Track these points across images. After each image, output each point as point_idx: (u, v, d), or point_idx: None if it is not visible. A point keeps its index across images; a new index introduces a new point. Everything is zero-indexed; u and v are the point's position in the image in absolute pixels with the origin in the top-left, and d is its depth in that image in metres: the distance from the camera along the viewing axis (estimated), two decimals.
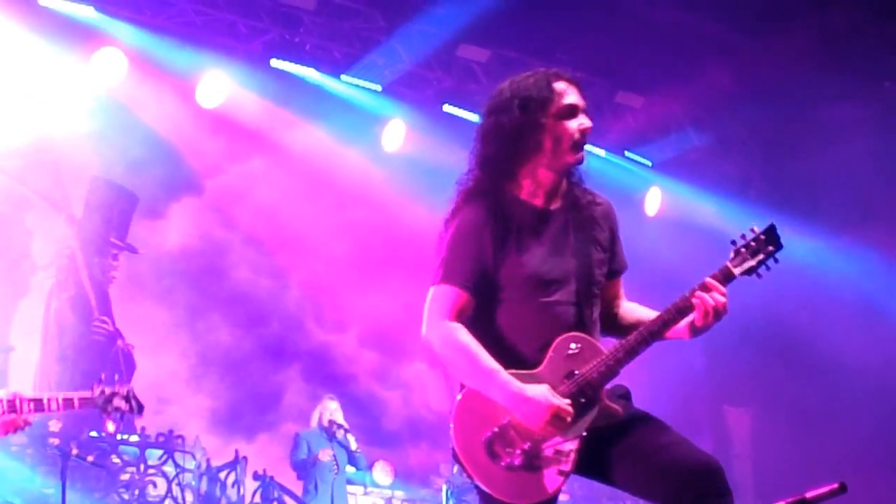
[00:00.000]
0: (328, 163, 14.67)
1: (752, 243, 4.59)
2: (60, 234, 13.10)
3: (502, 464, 4.42)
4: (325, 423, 12.98)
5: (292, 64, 13.90)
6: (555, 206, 4.70)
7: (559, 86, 4.66)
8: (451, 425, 4.52)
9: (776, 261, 4.61)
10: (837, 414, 15.57)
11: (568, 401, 4.40)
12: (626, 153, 16.21)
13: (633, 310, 4.84)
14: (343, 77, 14.29)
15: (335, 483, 12.84)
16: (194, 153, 14.33)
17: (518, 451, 4.41)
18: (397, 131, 14.66)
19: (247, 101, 14.04)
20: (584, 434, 4.45)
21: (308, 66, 14.03)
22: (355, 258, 15.23)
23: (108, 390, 6.43)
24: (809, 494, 3.83)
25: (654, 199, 16.29)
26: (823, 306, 15.44)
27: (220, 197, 14.78)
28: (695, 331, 4.58)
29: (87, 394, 6.40)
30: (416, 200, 13.85)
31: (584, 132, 4.64)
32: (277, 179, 14.93)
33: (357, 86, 14.41)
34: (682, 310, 4.53)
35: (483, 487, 4.44)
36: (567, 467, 4.42)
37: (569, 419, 4.38)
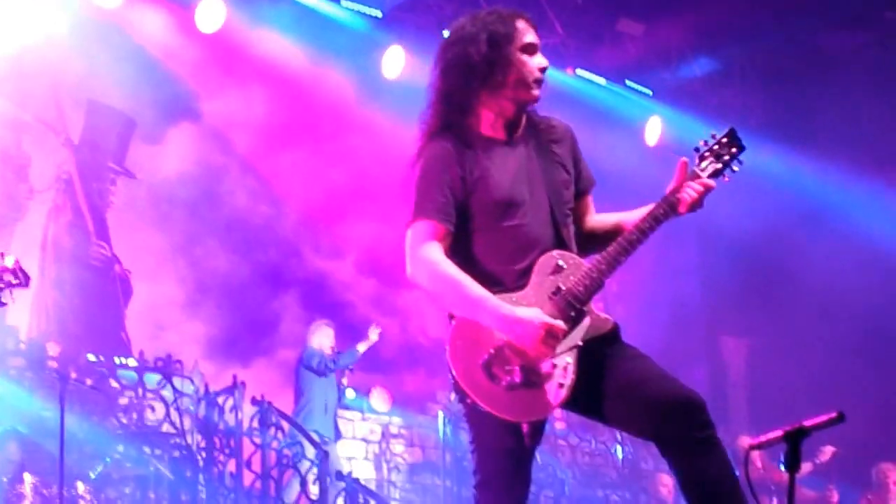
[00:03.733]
0: (327, 89, 14.61)
1: (715, 146, 4.77)
2: (58, 158, 13.06)
3: (503, 384, 4.46)
4: (328, 351, 13.06)
5: None
6: (515, 135, 4.77)
7: (520, 24, 4.73)
8: (448, 352, 4.55)
9: (741, 162, 4.77)
10: (832, 343, 15.66)
11: (560, 321, 4.46)
12: (627, 82, 16.14)
13: (604, 220, 4.92)
14: (343, 2, 14.21)
15: (329, 405, 12.96)
16: (192, 78, 14.25)
17: (517, 370, 4.45)
18: (397, 58, 14.58)
19: (245, 27, 13.95)
20: (580, 345, 4.50)
21: None
22: (353, 185, 15.21)
23: None
24: (808, 423, 3.83)
25: (655, 129, 16.25)
26: (818, 235, 15.47)
27: (217, 123, 14.72)
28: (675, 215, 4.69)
29: None
30: (415, 128, 13.80)
31: (543, 70, 4.72)
32: (276, 105, 14.86)
33: (357, 11, 14.32)
34: (658, 217, 4.61)
35: (487, 409, 4.47)
36: (567, 380, 4.47)
37: (561, 337, 4.45)
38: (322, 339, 13.15)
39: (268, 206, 15.48)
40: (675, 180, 4.68)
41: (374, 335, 13.26)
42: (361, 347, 13.19)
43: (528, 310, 4.46)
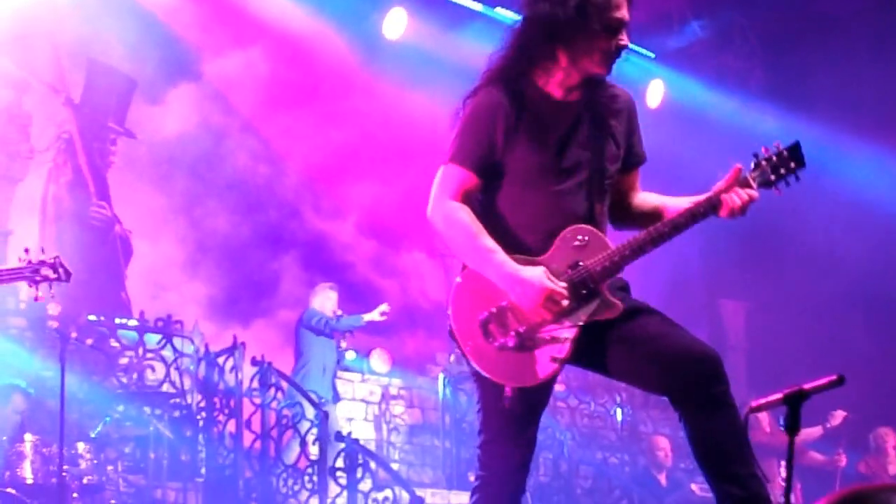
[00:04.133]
0: (328, 50, 14.57)
1: (774, 158, 4.57)
2: (59, 117, 13.03)
3: (496, 344, 4.45)
4: (330, 314, 13.08)
5: None
6: (573, 98, 4.67)
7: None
8: (451, 303, 4.55)
9: (797, 178, 4.59)
10: (831, 305, 15.68)
11: (564, 284, 4.42)
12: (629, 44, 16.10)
13: (646, 199, 4.83)
14: None
15: (328, 367, 13.02)
16: (193, 39, 14.21)
17: (512, 333, 4.43)
18: (399, 19, 14.52)
19: None
20: (582, 324, 4.46)
21: None
22: (353, 146, 15.19)
23: (35, 260, 6.53)
24: (807, 386, 3.83)
25: (657, 92, 16.21)
26: (816, 198, 15.45)
27: (218, 83, 14.69)
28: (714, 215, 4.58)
29: (13, 266, 6.52)
30: (416, 89, 13.78)
31: (621, 48, 4.66)
32: (277, 66, 14.83)
33: None
34: (697, 216, 4.52)
35: (475, 365, 4.47)
36: (561, 354, 4.44)
37: (564, 303, 4.41)
38: (324, 301, 13.17)
39: (268, 166, 15.47)
40: (724, 181, 4.54)
41: (378, 313, 13.18)
42: (366, 317, 13.17)
43: (532, 270, 4.42)
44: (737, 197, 4.51)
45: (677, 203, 4.63)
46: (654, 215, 4.65)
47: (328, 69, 14.78)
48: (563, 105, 4.63)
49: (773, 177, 4.56)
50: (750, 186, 4.54)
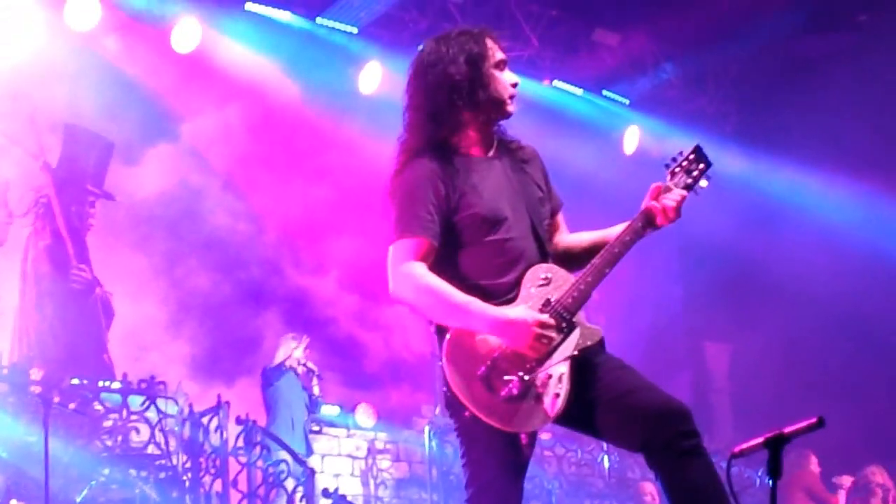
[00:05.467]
0: (304, 106, 14.62)
1: (684, 163, 4.84)
2: (36, 182, 13.02)
3: (501, 395, 4.49)
4: (293, 362, 13.15)
5: (267, 7, 13.83)
6: (493, 154, 4.86)
7: (489, 42, 4.86)
8: (445, 367, 4.57)
9: (709, 178, 4.84)
10: (814, 348, 15.72)
11: (548, 315, 4.51)
12: (604, 92, 16.18)
13: (580, 238, 5.00)
14: (318, 19, 14.23)
15: (296, 421, 13.04)
16: (170, 99, 14.25)
17: (515, 381, 4.48)
18: (374, 74, 14.60)
19: (222, 46, 13.96)
20: (575, 354, 4.55)
21: (283, 8, 13.97)
22: (333, 201, 15.21)
23: None
24: (787, 429, 3.85)
25: (633, 138, 16.29)
26: (798, 241, 15.54)
27: (196, 142, 14.71)
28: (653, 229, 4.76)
29: None
30: (394, 143, 13.81)
31: (515, 85, 4.85)
32: (253, 124, 14.87)
33: (333, 28, 14.34)
34: (638, 230, 4.69)
35: (487, 421, 4.49)
36: (562, 390, 4.51)
37: (554, 334, 4.50)
38: (287, 350, 13.28)
39: (248, 224, 15.46)
40: (648, 197, 4.74)
41: None
42: None
43: (516, 309, 4.52)
44: (667, 201, 4.71)
45: (611, 232, 4.81)
46: (592, 249, 4.81)
47: (305, 126, 14.83)
48: (485, 161, 4.80)
49: (689, 180, 4.78)
50: (671, 191, 4.75)
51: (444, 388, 4.59)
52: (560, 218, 5.04)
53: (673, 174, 4.80)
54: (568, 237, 5.01)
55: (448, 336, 4.59)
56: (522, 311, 4.50)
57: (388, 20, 14.45)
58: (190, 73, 14.01)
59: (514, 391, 4.48)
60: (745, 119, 16.50)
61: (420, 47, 4.99)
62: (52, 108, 13.00)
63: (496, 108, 4.79)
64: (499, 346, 4.51)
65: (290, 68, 14.47)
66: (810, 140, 15.54)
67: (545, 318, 4.49)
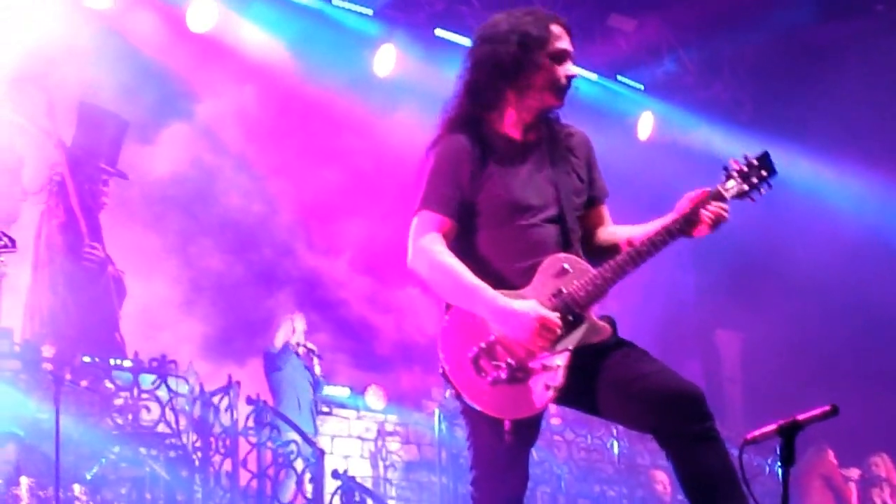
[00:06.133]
0: (319, 87, 14.60)
1: (745, 168, 4.63)
2: (50, 160, 13.04)
3: (489, 378, 4.47)
4: (294, 344, 13.19)
5: None
6: (532, 138, 4.77)
7: (555, 29, 4.74)
8: (440, 343, 4.57)
9: (770, 186, 4.65)
10: (825, 336, 15.69)
11: (557, 314, 4.46)
12: (619, 77, 16.14)
13: (616, 232, 4.88)
14: (334, 0, 14.20)
15: (303, 402, 13.08)
16: (185, 78, 14.24)
17: (504, 366, 4.46)
18: (389, 56, 14.57)
19: (237, 26, 13.95)
20: (572, 349, 4.50)
21: None
22: (346, 183, 15.21)
23: None
24: (801, 417, 3.84)
25: (647, 123, 16.26)
26: (812, 229, 15.51)
27: (210, 122, 14.70)
28: (687, 236, 4.63)
29: None
30: (407, 125, 13.80)
31: (570, 79, 4.75)
32: (268, 105, 14.86)
33: (348, 9, 14.31)
34: (673, 232, 4.58)
35: (471, 403, 4.49)
36: (555, 382, 4.46)
37: (557, 331, 4.45)
38: (287, 332, 13.32)
39: (261, 204, 15.47)
40: (693, 199, 4.61)
41: None
42: None
43: (524, 302, 4.46)
44: (710, 213, 4.55)
45: (647, 228, 4.68)
46: (626, 245, 4.70)
47: (319, 107, 14.81)
48: (523, 145, 4.72)
49: (745, 186, 4.62)
50: (723, 199, 4.60)
51: (440, 366, 4.57)
52: (604, 210, 4.92)
53: (729, 177, 4.64)
54: (608, 230, 4.90)
55: (448, 314, 4.59)
56: (531, 304, 4.45)
57: (404, 2, 14.42)
58: (205, 53, 14.01)
59: (502, 375, 4.45)
60: (759, 106, 16.45)
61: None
62: (67, 87, 13.01)
63: (542, 96, 4.70)
64: (497, 331, 4.49)
65: (305, 49, 14.45)
66: (823, 128, 15.50)
67: (552, 316, 4.44)
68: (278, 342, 13.35)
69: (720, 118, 16.10)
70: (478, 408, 4.49)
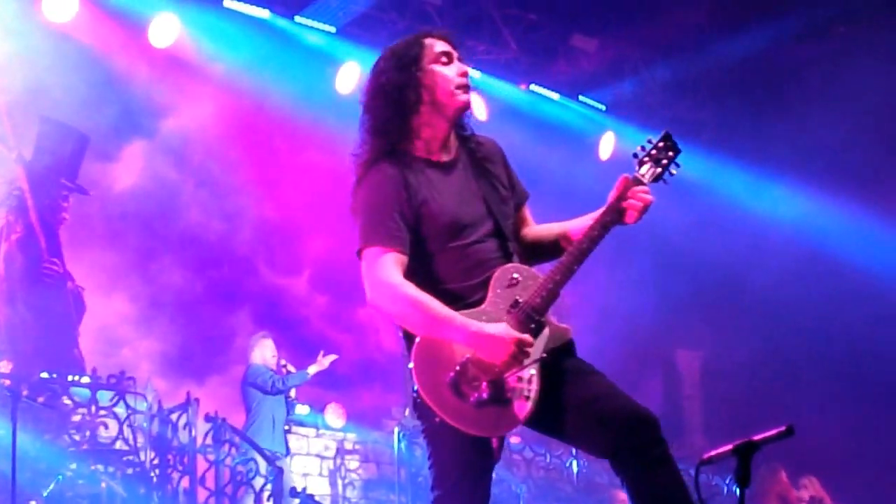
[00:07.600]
0: (281, 105, 14.59)
1: (654, 152, 4.83)
2: (10, 174, 12.96)
3: (471, 400, 4.48)
4: (271, 362, 13.14)
5: (245, 4, 13.79)
6: (450, 157, 4.82)
7: (427, 41, 4.80)
8: (414, 372, 4.55)
9: (678, 165, 4.84)
10: (785, 355, 15.79)
11: (527, 334, 4.49)
12: (580, 97, 16.20)
13: (546, 229, 4.97)
14: (297, 18, 14.20)
15: (277, 421, 13.03)
16: (146, 95, 14.21)
17: (484, 386, 4.47)
18: (351, 74, 14.57)
19: (199, 42, 13.92)
20: (544, 356, 4.54)
21: (261, 6, 13.93)
22: (307, 201, 15.19)
23: None
24: (757, 437, 3.86)
25: (608, 143, 16.31)
26: (771, 249, 15.61)
27: (171, 139, 14.67)
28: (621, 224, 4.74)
29: None
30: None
31: (464, 75, 4.78)
32: (230, 122, 14.83)
33: (311, 27, 14.32)
34: (607, 224, 4.68)
35: (457, 426, 4.48)
36: (531, 393, 4.51)
37: (530, 350, 4.48)
38: (264, 351, 13.26)
39: (222, 221, 15.43)
40: (616, 189, 4.72)
41: (325, 361, 13.31)
42: (312, 370, 13.26)
43: (496, 326, 4.49)
44: (636, 200, 4.68)
45: (580, 222, 4.78)
46: (559, 241, 4.82)
47: (281, 125, 14.81)
48: (444, 165, 4.76)
49: (658, 169, 4.78)
50: (642, 184, 4.73)
51: (413, 393, 4.56)
52: (526, 210, 5.03)
53: (642, 163, 4.80)
54: (534, 229, 4.99)
55: (417, 341, 4.57)
56: (501, 328, 4.47)
57: (367, 20, 14.43)
58: (167, 69, 13.97)
59: (484, 396, 4.47)
60: (720, 127, 16.54)
61: None
62: (27, 100, 12.94)
63: (443, 104, 4.72)
64: (468, 351, 4.50)
65: (267, 66, 14.44)
66: (783, 149, 15.61)
67: (525, 336, 4.47)
68: (255, 359, 13.26)
69: (681, 139, 16.14)
70: (465, 431, 4.48)
